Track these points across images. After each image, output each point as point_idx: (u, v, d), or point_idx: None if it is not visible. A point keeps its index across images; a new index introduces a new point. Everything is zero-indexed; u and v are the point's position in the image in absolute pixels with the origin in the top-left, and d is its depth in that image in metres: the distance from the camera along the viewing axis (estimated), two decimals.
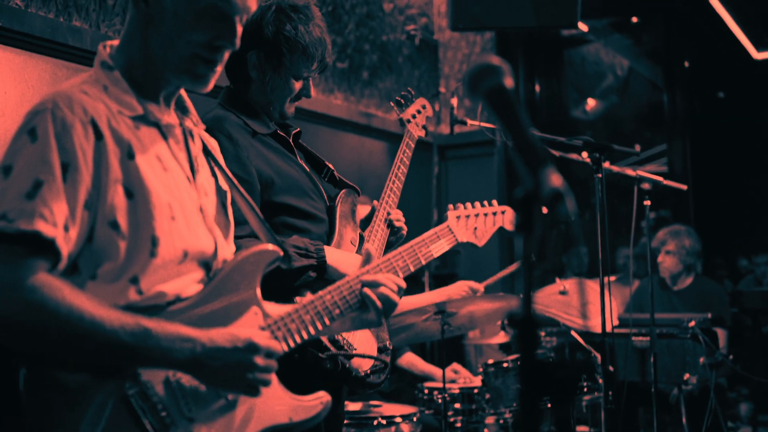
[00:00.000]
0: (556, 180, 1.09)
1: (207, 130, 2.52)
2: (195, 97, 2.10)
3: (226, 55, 1.87)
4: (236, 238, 2.15)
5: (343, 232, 2.73)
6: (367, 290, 2.10)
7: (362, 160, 5.99)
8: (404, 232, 3.03)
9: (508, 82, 1.25)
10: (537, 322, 1.09)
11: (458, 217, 2.75)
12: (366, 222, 2.95)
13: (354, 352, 2.59)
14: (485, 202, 2.85)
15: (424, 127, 3.25)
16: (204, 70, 1.85)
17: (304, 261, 2.44)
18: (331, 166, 2.92)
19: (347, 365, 2.57)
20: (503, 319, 4.78)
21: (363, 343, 2.68)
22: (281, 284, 2.23)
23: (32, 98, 3.53)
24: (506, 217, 2.87)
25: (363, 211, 2.98)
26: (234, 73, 2.75)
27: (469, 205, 2.80)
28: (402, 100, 3.29)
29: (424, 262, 2.45)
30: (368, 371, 2.66)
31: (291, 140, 2.78)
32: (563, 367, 1.07)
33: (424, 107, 3.30)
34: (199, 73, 1.85)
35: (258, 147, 2.61)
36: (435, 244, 2.56)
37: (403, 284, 2.21)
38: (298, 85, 2.74)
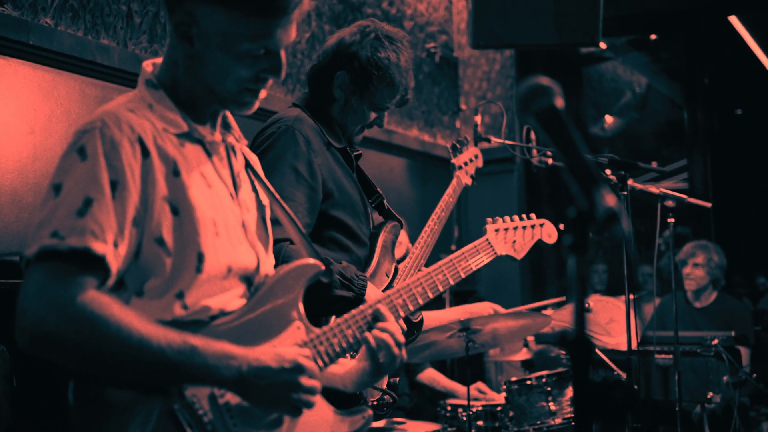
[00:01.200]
0: (610, 200, 1.10)
1: (285, 125, 2.55)
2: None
3: (270, 82, 1.88)
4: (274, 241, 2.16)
5: (381, 261, 2.74)
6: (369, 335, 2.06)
7: (383, 177, 6.00)
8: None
9: (559, 102, 1.25)
10: (590, 343, 1.09)
11: (497, 231, 2.73)
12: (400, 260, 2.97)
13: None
14: (523, 216, 2.84)
15: (472, 176, 3.28)
16: (250, 98, 1.88)
17: (344, 293, 2.43)
18: (381, 193, 2.93)
19: (359, 392, 2.55)
20: (525, 337, 4.77)
21: None
22: (318, 307, 2.21)
23: (61, 116, 3.57)
24: (544, 230, 2.86)
25: (398, 250, 2.99)
26: (317, 85, 2.78)
27: (507, 218, 2.79)
28: (458, 145, 3.35)
29: (463, 276, 2.44)
30: (375, 402, 2.65)
31: (351, 155, 2.81)
32: (616, 387, 1.06)
33: (476, 156, 3.34)
34: (245, 101, 1.87)
35: (328, 157, 2.64)
36: (474, 258, 2.55)
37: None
38: (373, 115, 2.79)
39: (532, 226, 2.85)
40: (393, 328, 2.06)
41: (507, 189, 6.78)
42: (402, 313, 2.14)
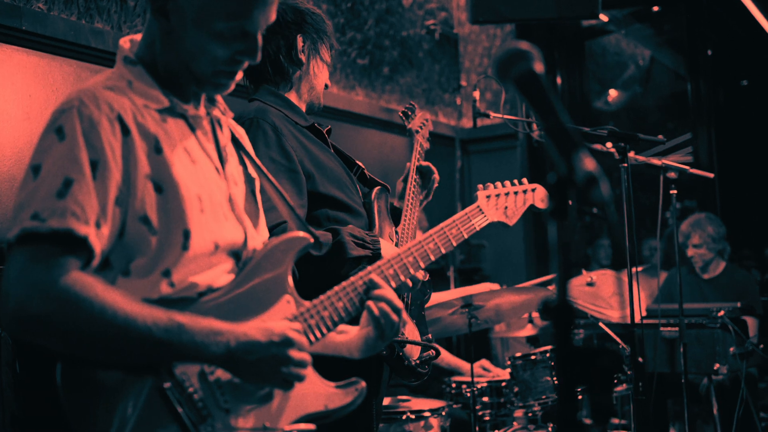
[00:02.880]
0: (589, 164, 1.08)
1: (248, 119, 2.56)
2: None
3: (246, 64, 1.86)
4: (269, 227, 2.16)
5: (383, 226, 2.74)
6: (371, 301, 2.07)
7: (384, 156, 5.99)
8: (436, 176, 3.11)
9: (538, 66, 1.23)
10: (572, 309, 1.07)
11: (488, 197, 2.71)
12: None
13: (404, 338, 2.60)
14: (515, 181, 2.81)
15: (429, 140, 3.27)
16: (225, 80, 1.86)
17: (361, 251, 2.45)
18: (361, 164, 2.93)
19: (401, 353, 2.57)
20: (530, 312, 4.76)
21: (409, 332, 2.68)
22: (334, 272, 2.22)
23: (57, 100, 3.55)
24: (537, 195, 2.82)
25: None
26: (268, 70, 2.79)
27: (498, 183, 2.76)
28: (409, 112, 3.33)
29: (455, 244, 2.43)
30: (417, 360, 2.66)
31: (320, 128, 2.81)
32: (601, 353, 1.05)
33: (427, 120, 3.32)
34: (220, 83, 1.86)
35: (300, 137, 2.65)
36: (465, 225, 2.53)
37: (421, 275, 2.19)
38: (327, 73, 2.85)
39: (524, 191, 2.81)
40: (389, 294, 2.05)
41: (510, 165, 6.76)
42: (393, 284, 2.12)
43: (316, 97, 2.84)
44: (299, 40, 2.74)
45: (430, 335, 2.82)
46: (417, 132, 3.24)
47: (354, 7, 5.76)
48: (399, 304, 2.06)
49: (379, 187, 2.84)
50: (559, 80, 7.61)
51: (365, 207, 2.75)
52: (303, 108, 2.82)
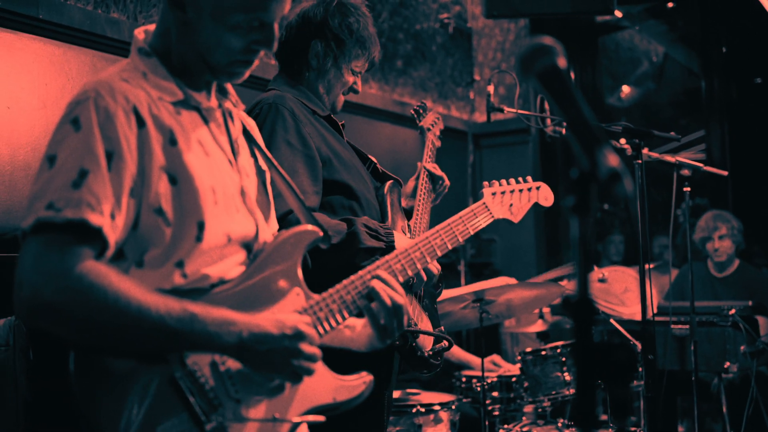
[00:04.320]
0: (613, 159, 1.08)
1: (266, 104, 2.56)
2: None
3: (262, 53, 1.87)
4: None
5: (395, 220, 2.76)
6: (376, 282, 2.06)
7: (396, 149, 5.99)
8: (446, 182, 3.12)
9: (562, 61, 1.23)
10: (592, 304, 1.07)
11: (494, 194, 2.74)
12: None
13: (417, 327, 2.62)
14: (519, 178, 2.84)
15: (440, 138, 3.29)
16: (241, 69, 1.87)
17: (375, 243, 2.47)
18: (374, 159, 2.94)
19: (414, 344, 2.59)
20: (541, 308, 4.76)
21: (422, 324, 2.70)
22: (347, 262, 2.24)
23: (72, 90, 3.57)
24: (541, 193, 2.85)
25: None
26: (290, 60, 2.83)
27: (504, 181, 2.79)
28: (420, 110, 3.35)
29: (461, 240, 2.45)
30: (430, 352, 2.67)
31: (341, 127, 2.83)
32: (619, 348, 1.05)
33: (438, 119, 3.34)
34: (235, 72, 1.87)
35: (316, 125, 2.68)
36: (472, 221, 2.55)
37: (435, 268, 2.19)
38: (351, 80, 2.85)
39: (529, 189, 2.84)
40: (390, 293, 2.05)
41: (522, 160, 6.75)
42: (401, 278, 2.13)
43: (331, 101, 2.85)
44: (314, 45, 2.76)
45: (442, 327, 2.84)
46: (428, 130, 3.25)
47: (369, 0, 5.76)
48: (400, 300, 2.06)
49: (391, 181, 2.86)
50: (572, 75, 7.59)
51: (378, 200, 2.76)
52: (322, 99, 2.83)
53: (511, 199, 2.77)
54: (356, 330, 2.15)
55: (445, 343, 2.73)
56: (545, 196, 2.87)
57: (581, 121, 1.13)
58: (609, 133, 3.66)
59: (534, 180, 2.87)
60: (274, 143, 2.52)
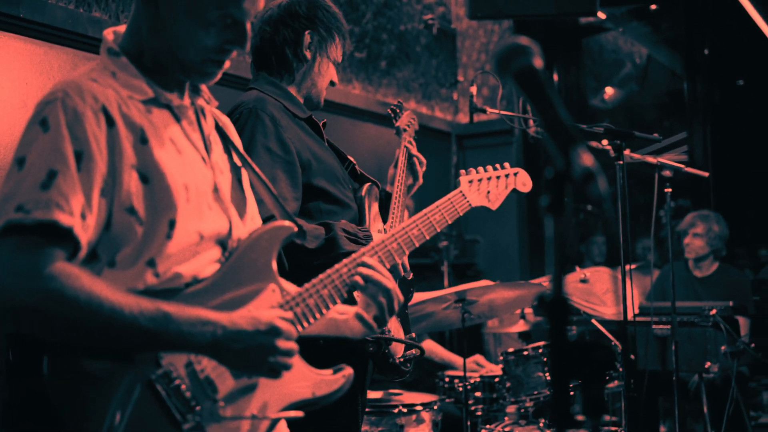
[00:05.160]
0: (587, 159, 1.08)
1: (246, 109, 2.55)
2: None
3: (234, 54, 1.88)
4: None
5: (372, 223, 2.75)
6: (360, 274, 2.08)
7: (380, 150, 5.98)
8: (423, 160, 3.14)
9: (538, 61, 1.23)
10: (567, 304, 1.08)
11: (470, 182, 2.73)
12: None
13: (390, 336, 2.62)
14: (497, 165, 2.83)
15: (414, 139, 3.29)
16: (213, 69, 1.87)
17: (354, 246, 2.45)
18: (353, 159, 2.93)
19: (387, 350, 2.58)
20: (523, 308, 4.77)
21: (394, 330, 2.69)
22: (326, 266, 2.25)
23: None
24: (519, 179, 2.84)
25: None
26: (275, 58, 2.80)
27: (481, 168, 2.78)
28: (397, 110, 3.34)
29: (438, 229, 2.44)
30: (401, 358, 2.67)
31: (322, 127, 2.82)
32: (595, 347, 1.05)
33: (414, 120, 3.32)
34: (208, 71, 1.87)
35: (297, 130, 2.66)
36: (449, 210, 2.54)
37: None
38: (333, 70, 2.85)
39: (506, 176, 2.83)
40: (379, 277, 2.08)
41: (506, 160, 6.72)
42: None
43: (317, 94, 2.84)
44: (307, 36, 2.75)
45: (413, 334, 2.83)
46: (404, 131, 3.25)
47: (352, 0, 5.76)
48: (390, 285, 2.08)
49: (369, 184, 2.85)
50: (556, 77, 7.61)
51: (357, 203, 2.76)
52: (301, 100, 2.81)
53: (488, 186, 2.76)
54: (349, 315, 2.16)
55: (415, 351, 2.73)
56: (523, 181, 2.86)
57: (556, 120, 1.14)
58: (591, 134, 3.67)
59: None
60: (254, 149, 2.51)
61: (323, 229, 2.46)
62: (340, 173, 2.73)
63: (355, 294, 2.13)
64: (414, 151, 3.13)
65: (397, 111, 3.35)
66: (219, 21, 1.79)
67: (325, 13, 2.77)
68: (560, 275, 1.09)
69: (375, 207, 2.84)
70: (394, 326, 2.71)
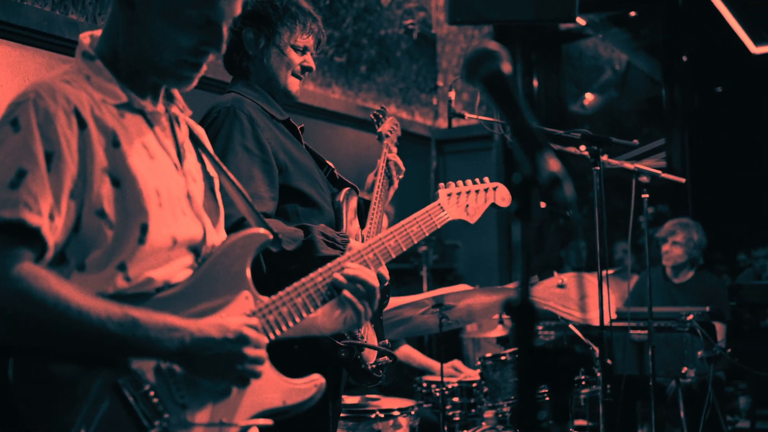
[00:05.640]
0: (554, 165, 1.08)
1: (224, 108, 2.54)
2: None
3: (211, 57, 1.87)
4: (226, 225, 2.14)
5: (350, 228, 2.74)
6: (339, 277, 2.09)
7: (360, 154, 5.98)
8: (402, 168, 3.13)
9: (506, 67, 1.23)
10: (534, 309, 1.08)
11: (449, 195, 2.73)
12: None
13: (363, 342, 2.61)
14: (477, 179, 2.83)
15: (396, 145, 3.28)
16: (189, 72, 1.86)
17: (331, 251, 2.45)
18: (331, 164, 2.93)
19: (359, 356, 2.57)
20: (501, 313, 4.78)
21: (368, 336, 2.68)
22: (303, 269, 2.24)
23: None
24: (498, 193, 2.84)
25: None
26: (232, 59, 2.81)
27: (460, 182, 2.79)
28: (380, 115, 3.33)
29: (416, 241, 2.44)
30: (373, 365, 2.66)
31: (300, 131, 2.81)
32: (562, 353, 1.05)
33: (396, 125, 3.33)
34: (184, 75, 1.86)
35: (274, 131, 2.65)
36: (427, 222, 2.54)
37: (386, 273, 2.21)
38: (297, 57, 2.79)
39: (485, 190, 2.83)
40: (363, 275, 2.10)
41: (485, 166, 6.78)
42: None
43: (282, 86, 2.79)
44: (247, 33, 2.74)
45: (387, 341, 2.83)
46: (387, 136, 3.24)
47: (332, 5, 5.75)
48: (374, 283, 2.11)
49: (347, 189, 2.84)
50: (535, 83, 7.64)
51: (334, 207, 2.75)
52: (275, 95, 2.81)
53: (467, 200, 2.76)
54: (324, 310, 2.14)
55: (387, 357, 2.72)
56: (502, 196, 2.87)
57: (524, 126, 1.14)
58: (568, 139, 3.69)
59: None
60: (231, 148, 2.50)
61: (302, 232, 2.45)
62: (318, 176, 2.72)
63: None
64: (394, 157, 3.13)
65: (380, 117, 3.34)
66: (197, 20, 1.78)
67: (262, 3, 2.75)
68: (527, 281, 1.09)
69: (353, 212, 2.83)
70: (367, 332, 2.70)
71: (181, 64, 1.82)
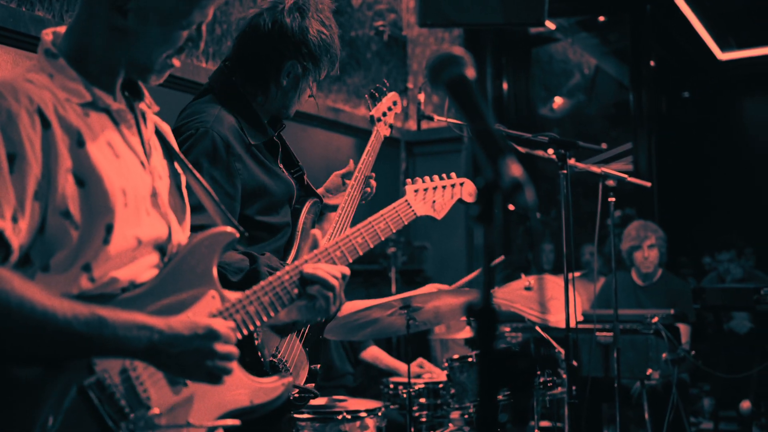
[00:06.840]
0: (515, 169, 1.09)
1: (204, 128, 2.50)
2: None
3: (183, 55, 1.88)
4: (193, 227, 2.12)
5: (302, 246, 2.71)
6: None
7: (330, 156, 5.98)
8: (373, 183, 3.07)
9: (470, 72, 1.24)
10: (495, 312, 1.08)
11: (416, 191, 2.72)
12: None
13: (288, 373, 2.58)
14: (443, 175, 2.83)
15: (390, 125, 3.19)
16: (170, 68, 1.86)
17: None
18: (302, 167, 2.88)
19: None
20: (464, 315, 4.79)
21: (297, 362, 2.65)
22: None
23: None
24: (465, 189, 2.84)
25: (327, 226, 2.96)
26: (249, 71, 2.70)
27: (427, 178, 2.78)
28: (377, 94, 3.19)
29: (383, 238, 2.43)
30: (297, 394, 2.63)
31: (278, 141, 2.76)
32: (522, 357, 1.06)
33: (395, 103, 3.23)
34: (165, 72, 1.86)
35: (247, 160, 2.58)
36: (393, 218, 2.54)
37: (347, 271, 2.20)
38: (309, 92, 2.78)
39: (452, 186, 2.83)
40: (324, 275, 2.10)
41: (455, 168, 6.73)
42: None
43: (289, 114, 2.77)
44: (290, 65, 2.65)
45: (318, 365, 2.79)
46: (378, 120, 3.12)
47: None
48: (334, 282, 2.11)
49: (311, 201, 2.82)
50: (505, 86, 7.68)
51: (293, 217, 2.73)
52: (275, 117, 2.76)
53: (433, 196, 2.76)
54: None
55: (312, 385, 2.71)
56: (469, 191, 2.87)
57: (486, 130, 1.15)
58: (536, 143, 3.72)
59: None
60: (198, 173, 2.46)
61: (248, 261, 2.41)
62: (284, 200, 2.69)
63: None
64: (377, 147, 3.04)
65: (376, 95, 3.18)
66: (189, 27, 1.79)
67: (315, 42, 2.64)
68: (488, 283, 1.10)
69: (309, 228, 2.79)
70: (294, 358, 2.65)
71: (165, 62, 1.82)
